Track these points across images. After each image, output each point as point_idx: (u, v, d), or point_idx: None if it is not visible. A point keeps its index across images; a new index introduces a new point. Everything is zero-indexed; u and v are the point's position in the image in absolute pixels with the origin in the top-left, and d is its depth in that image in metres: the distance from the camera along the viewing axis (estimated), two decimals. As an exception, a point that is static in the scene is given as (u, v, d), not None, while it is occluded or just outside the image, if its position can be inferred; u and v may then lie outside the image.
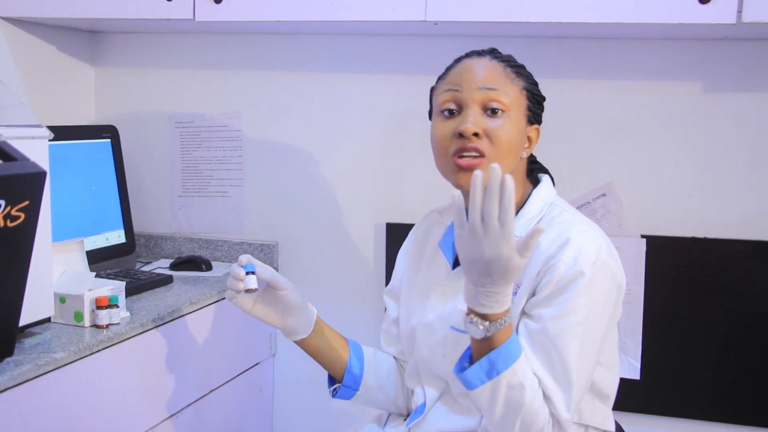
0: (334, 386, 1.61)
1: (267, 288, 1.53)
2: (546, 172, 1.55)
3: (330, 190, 2.30)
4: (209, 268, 2.24)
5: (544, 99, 1.48)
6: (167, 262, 2.30)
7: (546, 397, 1.31)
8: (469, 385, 1.28)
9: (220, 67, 2.36)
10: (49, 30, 2.27)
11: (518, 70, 1.44)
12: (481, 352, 1.26)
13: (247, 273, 1.48)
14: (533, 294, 1.36)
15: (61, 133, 1.44)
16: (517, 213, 1.44)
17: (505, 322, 1.24)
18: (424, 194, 2.20)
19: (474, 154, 1.37)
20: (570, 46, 2.07)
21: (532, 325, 1.34)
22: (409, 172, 2.23)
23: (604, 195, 2.05)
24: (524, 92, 1.43)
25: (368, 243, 2.28)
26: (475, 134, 1.37)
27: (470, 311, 1.25)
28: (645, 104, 2.05)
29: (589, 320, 1.33)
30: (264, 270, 1.51)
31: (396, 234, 2.21)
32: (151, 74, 2.42)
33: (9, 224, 1.25)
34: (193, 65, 2.38)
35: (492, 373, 1.26)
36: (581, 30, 1.94)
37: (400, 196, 2.24)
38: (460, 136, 1.37)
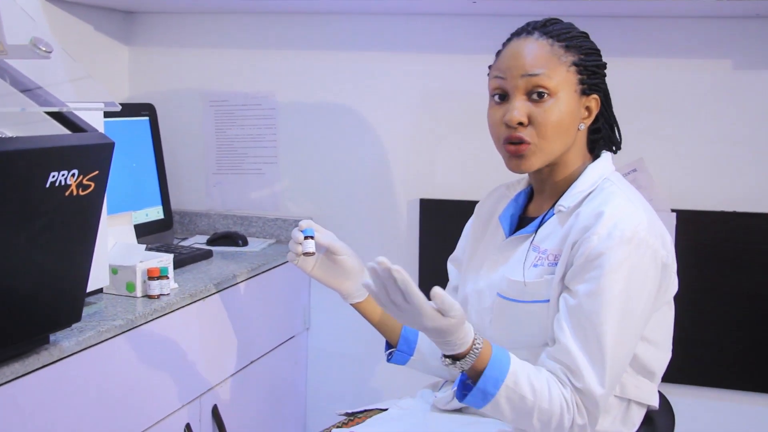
0: (390, 350, 1.66)
1: (327, 252, 1.59)
2: (614, 144, 1.56)
3: (364, 166, 2.34)
4: (245, 243, 2.28)
5: (603, 66, 1.49)
6: (203, 238, 2.34)
7: (579, 372, 1.33)
8: (475, 406, 1.36)
9: (254, 46, 2.39)
10: (87, 9, 2.30)
11: (569, 43, 1.44)
12: (473, 380, 1.34)
13: (306, 237, 1.53)
14: (572, 264, 1.38)
15: (101, 109, 1.50)
16: (570, 185, 1.47)
17: (474, 353, 1.31)
18: (458, 170, 2.24)
19: (520, 142, 1.42)
20: (602, 25, 2.07)
21: (570, 301, 1.36)
22: (443, 149, 2.26)
23: (634, 170, 2.10)
24: (573, 68, 1.43)
25: (402, 219, 2.32)
26: (520, 123, 1.41)
27: (442, 355, 1.34)
28: (676, 82, 2.09)
29: (626, 298, 1.33)
30: (324, 236, 1.57)
31: (429, 209, 2.25)
32: (185, 53, 2.46)
33: (81, 193, 1.29)
34: (228, 44, 2.42)
35: (487, 396, 1.32)
36: (614, 8, 1.97)
37: (434, 172, 2.28)
38: (507, 125, 1.42)
